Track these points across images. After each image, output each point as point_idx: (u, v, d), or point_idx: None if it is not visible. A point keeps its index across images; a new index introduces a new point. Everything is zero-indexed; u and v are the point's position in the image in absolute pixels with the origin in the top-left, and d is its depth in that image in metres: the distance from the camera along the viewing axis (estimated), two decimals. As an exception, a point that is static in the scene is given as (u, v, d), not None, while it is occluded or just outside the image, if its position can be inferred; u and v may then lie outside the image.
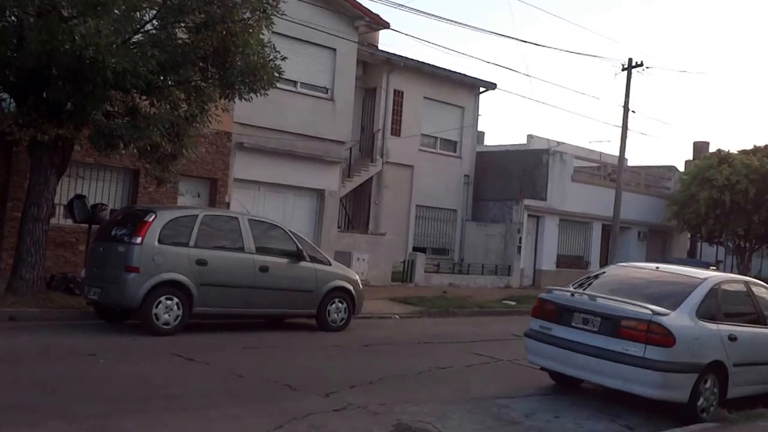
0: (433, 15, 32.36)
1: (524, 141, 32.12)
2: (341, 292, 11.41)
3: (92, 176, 14.16)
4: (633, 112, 22.30)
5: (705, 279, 7.67)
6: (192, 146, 12.01)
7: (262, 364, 8.47)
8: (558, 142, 28.14)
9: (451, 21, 48.86)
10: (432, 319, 14.37)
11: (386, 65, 21.87)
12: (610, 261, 28.00)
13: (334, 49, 17.75)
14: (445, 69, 23.21)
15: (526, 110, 77.20)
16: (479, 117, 25.06)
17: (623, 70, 21.86)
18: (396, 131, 22.33)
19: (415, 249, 22.95)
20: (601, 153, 32.04)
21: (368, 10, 17.82)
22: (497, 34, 59.81)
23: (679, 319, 6.94)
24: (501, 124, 65.42)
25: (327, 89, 17.85)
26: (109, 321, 10.22)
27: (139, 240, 9.48)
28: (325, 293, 11.09)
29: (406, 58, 22.27)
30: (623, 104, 21.95)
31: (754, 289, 8.30)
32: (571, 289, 7.97)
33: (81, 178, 13.98)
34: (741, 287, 8.23)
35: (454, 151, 24.38)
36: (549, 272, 23.94)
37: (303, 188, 17.61)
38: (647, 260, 25.79)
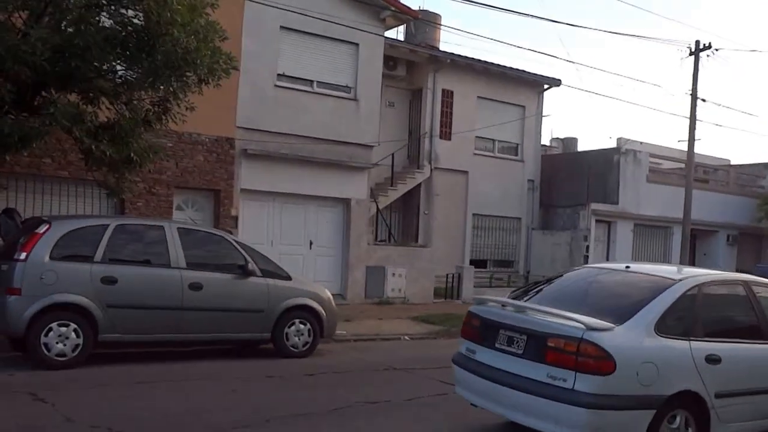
0: (480, 3, 28.92)
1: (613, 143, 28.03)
2: (303, 312, 8.74)
3: (69, 192, 12.16)
4: (703, 100, 18.01)
5: (679, 281, 5.21)
6: (149, 153, 9.81)
7: (128, 404, 6.21)
8: (641, 143, 24.08)
9: (501, 9, 44.65)
10: (449, 340, 11.21)
11: (431, 63, 18.95)
12: (698, 266, 23.59)
13: (357, 44, 15.03)
14: (499, 65, 19.90)
15: (591, 107, 70.39)
16: (543, 117, 21.56)
17: (690, 54, 17.66)
18: (446, 134, 19.31)
19: (473, 262, 19.77)
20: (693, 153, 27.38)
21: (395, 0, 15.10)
22: (549, 20, 53.95)
23: (624, 337, 4.64)
24: (574, 125, 59.60)
25: (350, 88, 15.17)
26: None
27: (23, 256, 7.19)
28: (280, 313, 8.54)
29: (454, 54, 19.22)
30: (691, 92, 17.72)
31: (758, 291, 5.64)
32: (504, 299, 5.63)
33: (55, 195, 12.18)
34: (736, 290, 5.69)
35: (516, 155, 20.98)
36: (626, 284, 19.94)
37: (326, 198, 14.93)
38: (738, 267, 21.13)
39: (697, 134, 18.96)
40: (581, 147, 29.55)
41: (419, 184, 18.71)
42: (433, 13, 22.07)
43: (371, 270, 15.15)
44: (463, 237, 19.45)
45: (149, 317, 7.78)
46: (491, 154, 20.21)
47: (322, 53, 14.71)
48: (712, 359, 4.92)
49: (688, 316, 5.04)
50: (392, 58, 18.53)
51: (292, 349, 8.66)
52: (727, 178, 23.88)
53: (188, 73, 8.57)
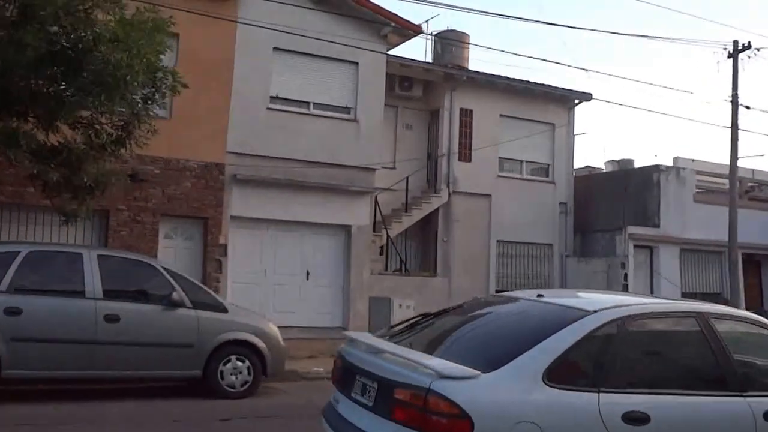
0: (496, 14, 28.14)
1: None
2: (242, 348, 8.21)
3: (53, 221, 12.20)
4: (747, 107, 16.58)
5: (593, 313, 4.01)
6: (105, 179, 9.56)
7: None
8: (692, 160, 22.57)
9: (517, 18, 42.95)
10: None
11: (448, 82, 18.33)
12: (766, 297, 21.67)
13: (356, 63, 14.66)
14: (523, 81, 19.10)
15: (645, 125, 66.97)
16: (576, 134, 20.47)
17: (729, 57, 16.27)
18: (465, 156, 18.53)
19: (498, 293, 18.78)
20: (753, 170, 25.51)
21: (394, 14, 14.49)
22: (573, 27, 51.72)
23: (490, 388, 3.54)
24: (630, 146, 56.64)
25: (350, 108, 14.73)
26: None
27: None
28: (213, 349, 7.98)
29: (471, 71, 18.58)
30: (731, 98, 16.30)
31: (720, 327, 4.33)
32: (371, 336, 4.58)
33: (38, 225, 12.10)
34: (685, 325, 4.42)
35: (546, 176, 19.97)
36: (671, 316, 18.42)
37: (325, 225, 14.40)
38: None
39: (761, 149, 17.50)
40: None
41: (437, 210, 17.95)
42: (461, 32, 21.58)
43: (375, 301, 14.47)
44: (487, 266, 18.48)
45: (59, 352, 7.41)
46: (518, 176, 19.27)
47: (320, 73, 14.39)
48: (635, 418, 3.71)
49: (602, 360, 3.90)
50: (407, 78, 18.05)
51: (227, 388, 8.11)
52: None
53: (128, 92, 8.18)
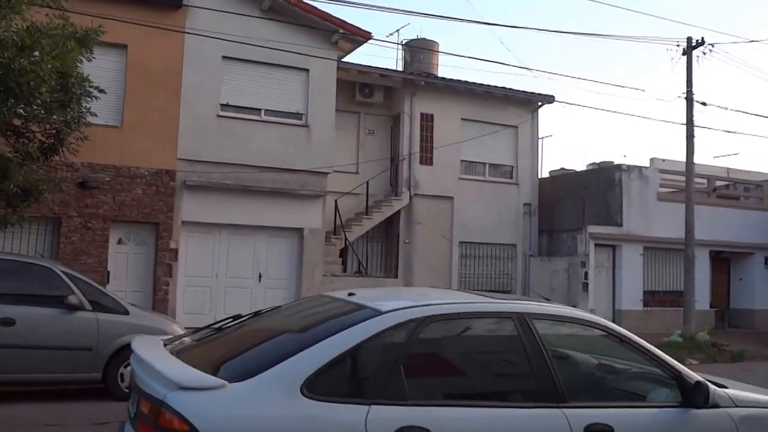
0: (447, 17, 28.60)
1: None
2: None
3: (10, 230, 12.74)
4: (703, 104, 16.87)
5: (382, 314, 3.55)
6: (36, 186, 10.04)
7: None
8: (663, 160, 22.90)
9: (467, 20, 43.68)
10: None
11: (408, 87, 18.81)
12: (733, 295, 21.95)
13: (307, 70, 15.18)
14: (483, 85, 19.54)
15: (627, 127, 66.77)
16: (542, 137, 20.89)
17: (683, 54, 16.59)
18: (427, 159, 18.98)
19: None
20: (728, 169, 25.81)
21: (343, 21, 15.03)
22: (521, 28, 52.57)
23: (233, 401, 3.07)
24: (610, 148, 56.63)
25: (301, 115, 15.24)
26: None
27: None
28: (113, 351, 8.10)
29: (430, 76, 19.08)
30: (686, 95, 16.62)
31: (543, 329, 3.88)
32: (153, 343, 4.01)
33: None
34: (501, 328, 3.95)
35: (510, 178, 20.37)
36: (633, 313, 18.67)
37: (277, 228, 14.88)
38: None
39: (736, 148, 17.79)
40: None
41: (399, 213, 18.38)
42: (431, 40, 22.15)
43: (328, 302, 14.86)
44: (450, 267, 18.88)
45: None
46: (481, 178, 19.69)
47: (271, 81, 14.88)
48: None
49: (383, 368, 3.41)
50: (368, 85, 18.57)
51: (127, 390, 8.40)
52: (762, 194, 22.29)
53: (34, 98, 8.63)
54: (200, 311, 14.02)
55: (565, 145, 55.06)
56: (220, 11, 13.89)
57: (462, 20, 31.50)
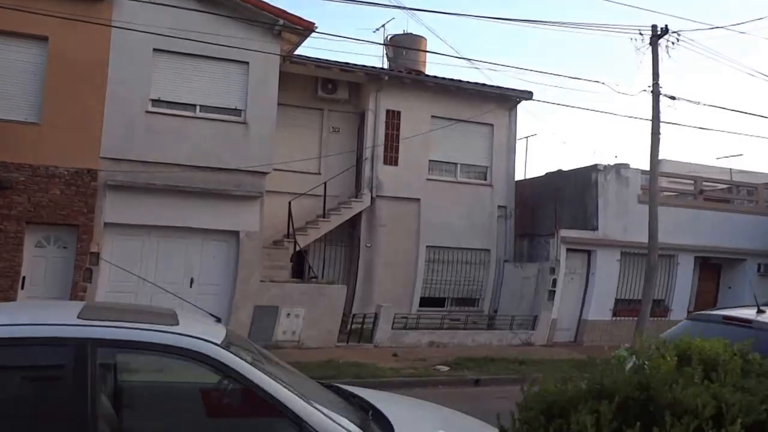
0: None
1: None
2: None
3: None
4: (672, 98, 14.82)
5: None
6: None
7: None
8: (660, 160, 20.80)
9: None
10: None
11: (373, 83, 17.21)
12: (721, 302, 19.76)
13: (247, 63, 13.70)
14: (455, 80, 17.83)
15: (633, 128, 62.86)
16: (522, 137, 19.06)
17: (649, 44, 14.56)
18: (392, 159, 17.33)
19: (428, 300, 17.51)
20: (731, 170, 23.51)
21: (282, 11, 13.51)
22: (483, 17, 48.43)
23: None
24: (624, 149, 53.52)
25: (240, 111, 13.79)
26: None
27: None
28: None
29: (395, 71, 17.43)
30: (651, 88, 14.57)
31: (113, 361, 3.15)
32: None
33: None
34: (45, 359, 2.96)
35: (484, 179, 18.59)
36: (600, 323, 16.71)
37: (212, 231, 13.43)
38: None
39: (740, 149, 15.69)
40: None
41: (360, 215, 16.81)
42: (418, 36, 20.48)
43: (260, 310, 13.46)
44: (415, 272, 17.23)
45: None
46: (451, 179, 17.98)
47: (207, 75, 13.48)
48: None
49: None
50: (330, 80, 17.08)
51: None
52: (757, 197, 20.05)
53: None
54: (126, 318, 12.70)
55: (570, 147, 52.49)
56: (149, 2, 12.53)
57: (412, 9, 29.42)
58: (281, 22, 13.55)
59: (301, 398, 3.08)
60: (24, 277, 12.13)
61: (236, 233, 13.54)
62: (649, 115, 14.77)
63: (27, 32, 12.04)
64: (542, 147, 45.01)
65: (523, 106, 18.87)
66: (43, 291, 12.26)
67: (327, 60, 16.45)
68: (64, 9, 11.92)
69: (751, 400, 2.55)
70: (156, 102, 13.10)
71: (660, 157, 19.67)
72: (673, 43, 14.23)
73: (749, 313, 5.47)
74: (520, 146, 34.30)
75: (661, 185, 18.92)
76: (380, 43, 19.86)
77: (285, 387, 3.10)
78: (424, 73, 18.86)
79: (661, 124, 14.88)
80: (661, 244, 17.32)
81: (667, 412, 2.44)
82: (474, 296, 18.09)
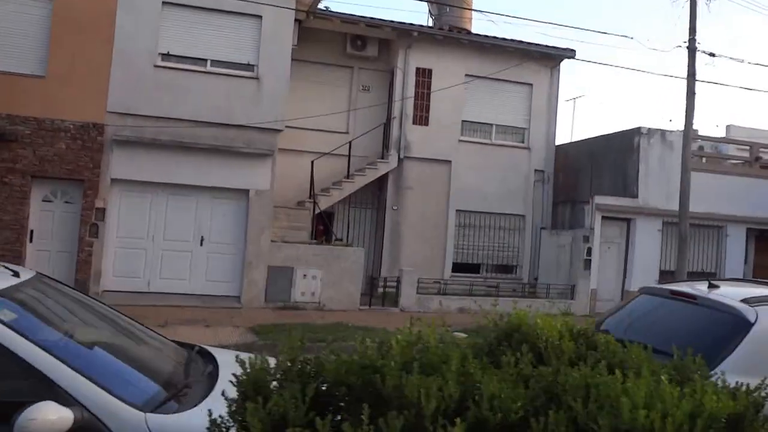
0: None
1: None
2: None
3: None
4: (711, 55, 12.56)
5: None
6: None
7: None
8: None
9: None
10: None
11: (402, 40, 15.77)
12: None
13: (260, 17, 12.61)
14: (491, 37, 16.14)
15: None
16: (558, 98, 17.14)
17: None
18: (421, 119, 15.95)
19: (458, 266, 16.21)
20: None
21: (296, -40, 12.38)
22: None
23: None
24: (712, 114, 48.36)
25: (252, 66, 12.77)
26: None
27: None
28: None
29: (425, 27, 15.87)
30: (687, 43, 12.34)
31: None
32: None
33: None
34: None
35: (521, 142, 16.90)
36: (644, 298, 14.98)
37: (222, 189, 12.61)
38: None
39: None
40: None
41: (387, 176, 15.61)
42: None
43: (275, 270, 12.60)
44: (445, 236, 15.94)
45: None
46: (485, 141, 16.43)
47: (218, 29, 12.53)
48: None
49: None
50: (360, 37, 15.80)
51: None
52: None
53: None
54: (133, 275, 12.19)
55: (617, 108, 48.42)
56: (158, -49, 11.64)
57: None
58: (294, -30, 12.36)
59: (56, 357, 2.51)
60: (32, 231, 11.74)
61: (246, 192, 12.68)
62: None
63: (33, -17, 11.42)
64: (592, 110, 41.82)
65: (568, 66, 16.99)
66: (51, 245, 11.85)
67: (353, 15, 15.15)
68: (71, -42, 11.22)
69: (509, 396, 1.86)
70: (165, 56, 12.27)
71: (729, 123, 17.35)
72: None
73: (700, 288, 4.41)
74: (566, 108, 32.09)
75: (712, 152, 16.77)
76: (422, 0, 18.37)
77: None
78: (467, 30, 17.28)
79: (699, 83, 12.77)
80: (707, 214, 15.40)
81: (394, 403, 1.88)
82: (511, 263, 16.62)
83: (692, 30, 12.40)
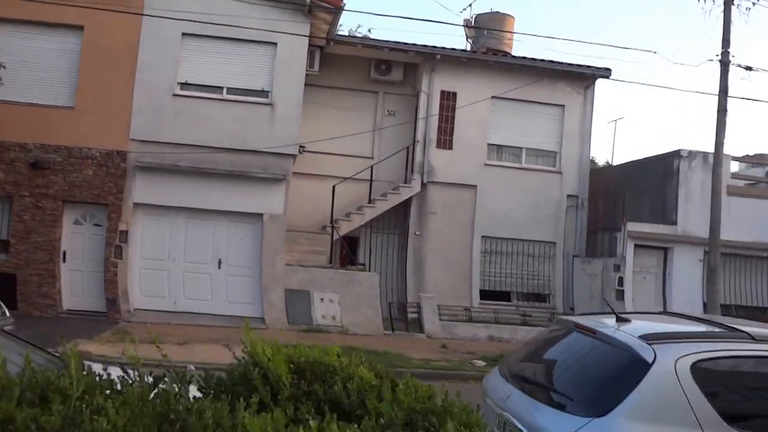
0: None
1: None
2: None
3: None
4: (747, 69, 11.92)
5: None
6: None
7: None
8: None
9: None
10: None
11: (427, 63, 16.06)
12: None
13: (275, 44, 13.26)
14: (517, 57, 16.18)
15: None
16: (593, 119, 16.84)
17: (723, 2, 11.72)
18: (445, 143, 16.11)
19: (486, 293, 16.12)
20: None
21: (309, -12, 12.94)
22: None
23: None
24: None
25: (267, 92, 13.38)
26: None
27: None
28: None
29: (449, 50, 16.05)
30: (719, 56, 11.82)
31: None
32: None
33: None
34: None
35: (552, 166, 16.71)
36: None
37: (239, 213, 13.25)
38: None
39: None
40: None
41: (410, 201, 15.83)
42: (505, 14, 19.10)
43: (291, 294, 13.06)
44: (470, 263, 15.92)
45: None
46: (513, 165, 16.36)
47: (234, 57, 13.28)
48: None
49: None
50: (384, 61, 16.22)
51: None
52: None
53: None
54: (159, 294, 12.95)
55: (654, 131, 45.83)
56: (179, -13, 12.56)
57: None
58: (308, 0, 12.96)
59: None
60: (65, 252, 12.74)
61: (261, 216, 13.24)
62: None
63: (65, 22, 12.53)
64: (629, 132, 40.23)
65: (603, 85, 16.72)
66: (82, 265, 12.81)
67: (376, 39, 15.63)
68: (98, -1, 12.25)
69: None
70: (184, 85, 13.12)
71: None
72: (754, 3, 11.64)
73: (606, 321, 4.05)
74: (607, 130, 31.01)
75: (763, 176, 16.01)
76: (454, 24, 18.63)
77: None
78: (504, 53, 17.41)
79: (733, 99, 12.30)
80: (753, 243, 14.65)
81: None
82: (543, 292, 16.37)
83: (725, 42, 12.00)
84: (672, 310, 14.72)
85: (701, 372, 3.28)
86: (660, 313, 4.85)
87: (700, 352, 3.34)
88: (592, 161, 20.43)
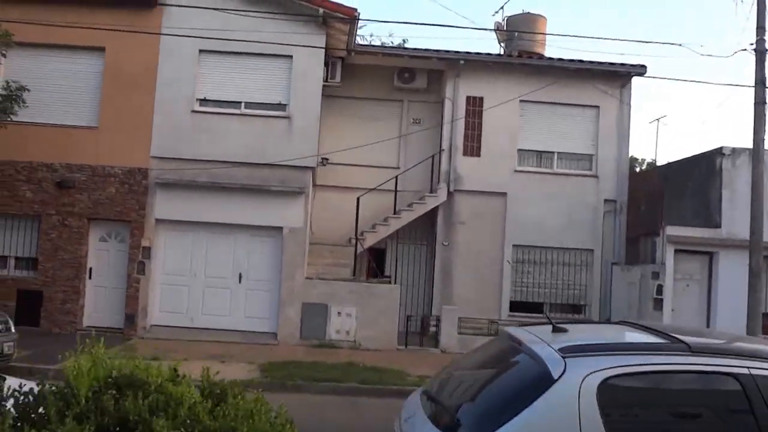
0: None
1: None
2: None
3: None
4: None
5: None
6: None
7: None
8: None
9: None
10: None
11: (451, 69, 15.85)
12: None
13: (290, 57, 13.38)
14: (545, 59, 15.76)
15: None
16: (630, 119, 16.17)
17: None
18: (472, 150, 15.81)
19: (517, 305, 15.66)
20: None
21: (323, 0, 13.01)
22: None
23: None
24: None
25: (284, 105, 13.49)
26: None
27: None
28: None
29: (472, 54, 15.78)
30: (754, 45, 11.00)
31: None
32: None
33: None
34: None
35: (588, 170, 16.13)
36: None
37: (259, 227, 13.37)
38: None
39: None
40: None
41: (435, 210, 15.61)
42: (536, 15, 18.84)
43: (309, 307, 13.06)
44: (500, 273, 15.53)
45: None
46: (545, 170, 15.91)
47: (251, 72, 13.51)
48: None
49: None
50: (407, 69, 16.15)
51: None
52: None
53: None
54: (176, 310, 13.20)
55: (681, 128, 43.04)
56: (196, 7, 12.90)
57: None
58: (321, 11, 13.05)
59: None
60: (91, 269, 13.18)
61: (281, 229, 13.33)
62: None
63: (87, 45, 13.05)
64: (669, 131, 38.30)
65: (643, 84, 16.10)
66: (107, 281, 13.21)
67: (397, 47, 15.59)
68: (119, 20, 12.70)
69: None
70: (202, 101, 13.41)
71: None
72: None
73: (542, 332, 3.67)
74: (649, 130, 29.80)
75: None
76: (482, 29, 18.39)
77: None
78: (540, 55, 17.07)
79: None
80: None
81: None
82: (579, 302, 15.80)
83: (760, 29, 11.31)
84: (717, 320, 13.94)
85: (610, 389, 2.97)
86: (619, 322, 4.39)
87: (615, 367, 3.03)
88: (636, 163, 19.71)
